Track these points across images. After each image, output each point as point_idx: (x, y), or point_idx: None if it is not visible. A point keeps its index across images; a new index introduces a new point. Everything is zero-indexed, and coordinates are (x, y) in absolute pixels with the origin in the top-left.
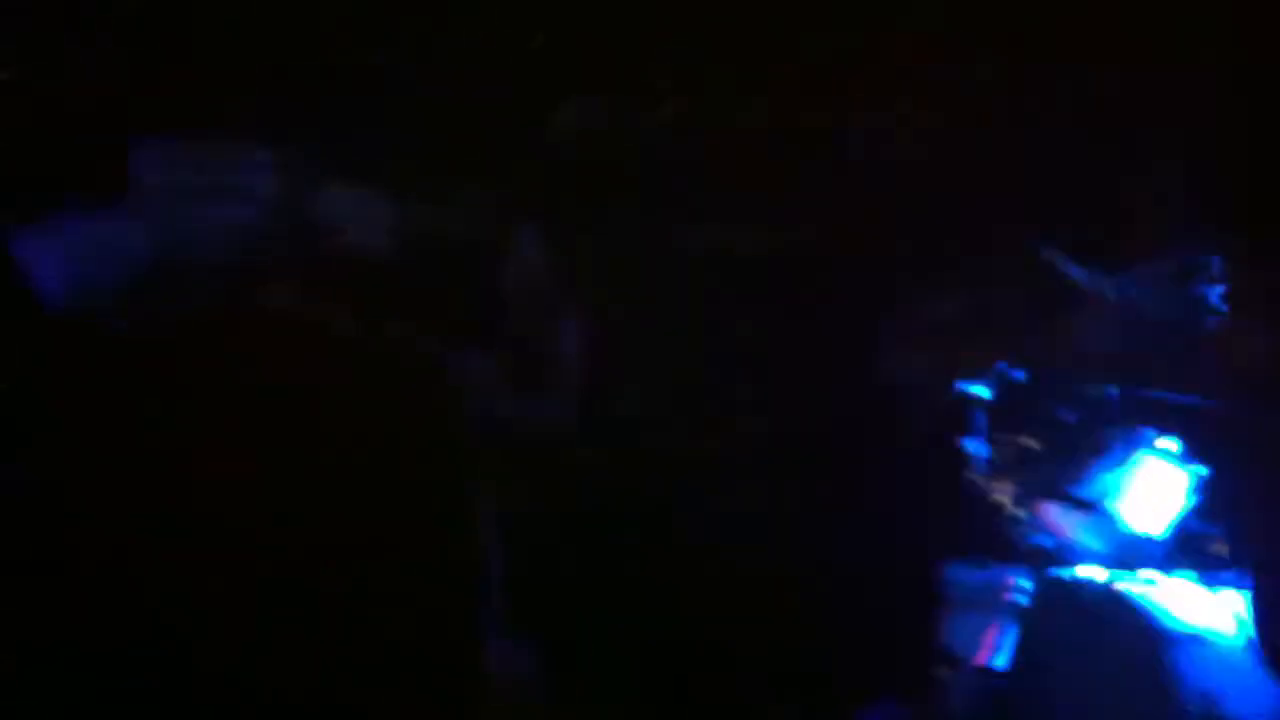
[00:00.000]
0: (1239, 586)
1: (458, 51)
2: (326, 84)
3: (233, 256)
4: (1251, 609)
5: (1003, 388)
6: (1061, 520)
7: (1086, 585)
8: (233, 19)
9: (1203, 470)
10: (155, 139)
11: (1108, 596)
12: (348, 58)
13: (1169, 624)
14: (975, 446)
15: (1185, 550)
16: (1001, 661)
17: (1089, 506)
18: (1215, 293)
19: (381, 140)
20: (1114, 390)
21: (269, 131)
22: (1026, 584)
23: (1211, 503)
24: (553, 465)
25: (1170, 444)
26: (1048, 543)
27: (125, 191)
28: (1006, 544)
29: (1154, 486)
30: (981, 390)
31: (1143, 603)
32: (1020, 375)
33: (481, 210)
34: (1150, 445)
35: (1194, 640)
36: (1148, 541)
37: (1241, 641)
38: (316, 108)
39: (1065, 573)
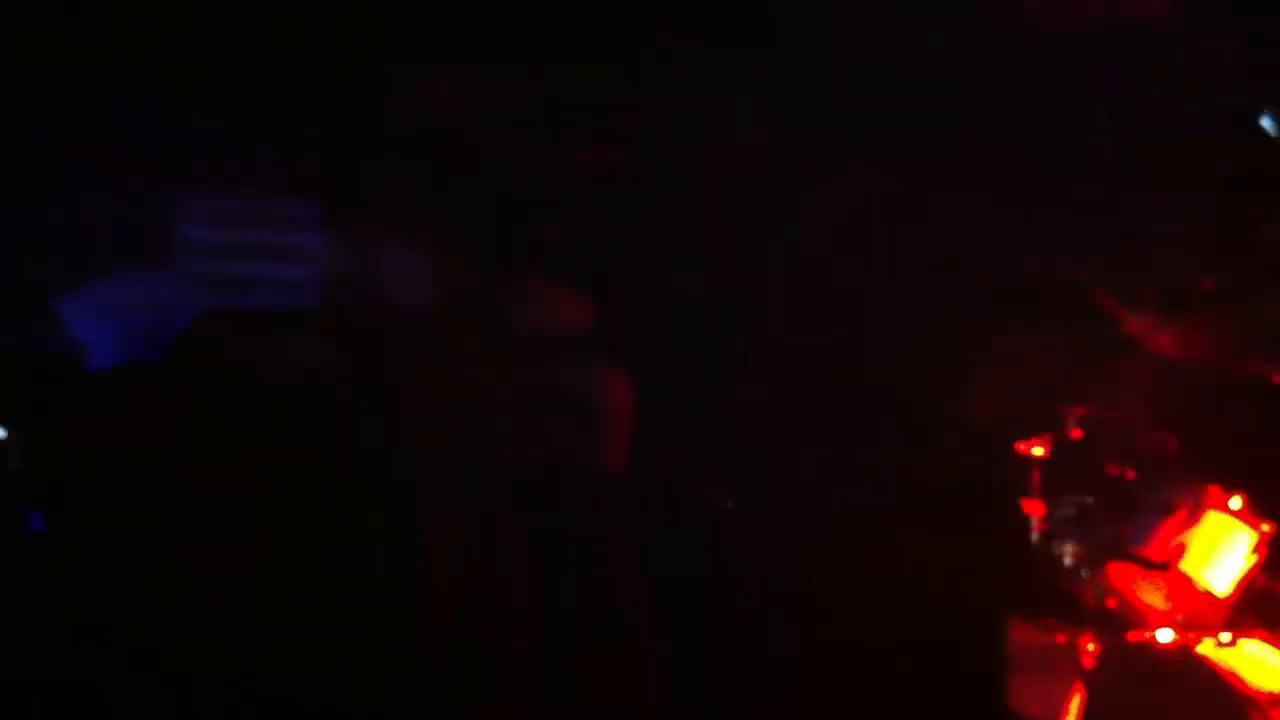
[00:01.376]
0: None
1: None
2: (373, 143)
3: (280, 311)
4: None
5: (1060, 446)
6: (1128, 581)
7: (1158, 647)
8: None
9: (1269, 527)
10: (203, 199)
11: (1180, 658)
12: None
13: (1245, 685)
14: (1036, 507)
15: (1257, 609)
16: None
17: (1155, 566)
18: None
19: (423, 195)
20: (1174, 446)
21: (319, 190)
22: (1096, 646)
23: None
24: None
25: (1235, 500)
26: (1115, 604)
27: (172, 252)
28: (1074, 606)
29: (1220, 544)
30: (1038, 450)
31: (1216, 664)
32: (1078, 434)
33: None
34: (1215, 502)
35: (1273, 702)
36: (1218, 601)
37: None
38: (364, 165)
39: (1135, 634)
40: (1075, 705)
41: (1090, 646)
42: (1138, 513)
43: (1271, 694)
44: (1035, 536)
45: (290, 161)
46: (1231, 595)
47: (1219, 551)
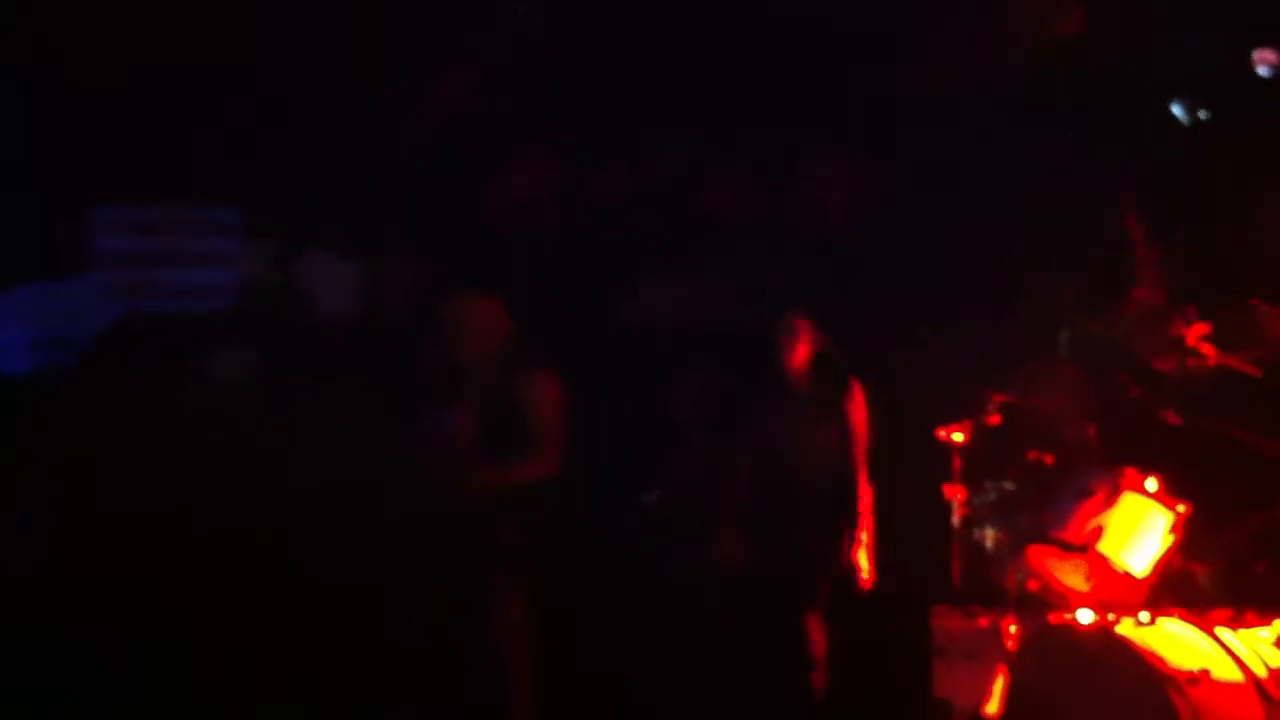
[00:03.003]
0: (1230, 622)
1: (418, 122)
2: (301, 153)
3: (197, 317)
4: None
5: (980, 433)
6: (1048, 564)
7: (1079, 628)
8: (210, 87)
9: (1185, 507)
10: (116, 206)
11: (1100, 639)
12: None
13: (1164, 664)
14: (957, 492)
15: (1174, 588)
16: (996, 708)
17: (1075, 548)
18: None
19: (351, 210)
20: (1091, 431)
21: (244, 197)
22: (1018, 629)
23: (1197, 540)
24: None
25: (1151, 482)
26: (1036, 587)
27: (85, 258)
28: (995, 590)
29: (1138, 526)
30: (959, 436)
31: (1136, 644)
32: (997, 420)
33: (433, 277)
34: (1131, 484)
35: (1191, 680)
36: (1136, 581)
37: (1238, 677)
38: (294, 176)
39: (1056, 616)
40: (999, 688)
41: (1012, 629)
42: (1056, 497)
43: (1190, 672)
44: (956, 522)
45: (211, 166)
46: (1149, 575)
47: (1136, 533)
